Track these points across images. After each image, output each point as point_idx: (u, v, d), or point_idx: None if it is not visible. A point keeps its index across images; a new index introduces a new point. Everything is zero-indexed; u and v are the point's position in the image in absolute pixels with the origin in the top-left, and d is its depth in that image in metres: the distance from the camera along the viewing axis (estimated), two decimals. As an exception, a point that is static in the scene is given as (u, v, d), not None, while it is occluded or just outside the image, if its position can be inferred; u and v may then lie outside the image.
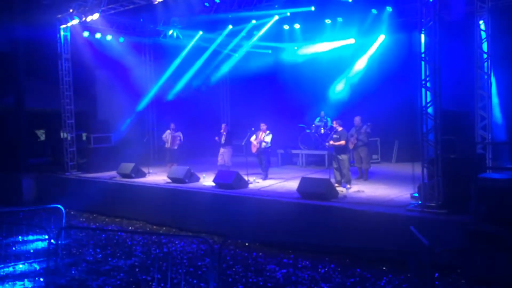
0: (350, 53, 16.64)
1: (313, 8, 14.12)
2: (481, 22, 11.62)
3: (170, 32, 16.88)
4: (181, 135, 14.44)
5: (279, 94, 18.39)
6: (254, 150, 12.94)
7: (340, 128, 11.63)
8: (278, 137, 14.26)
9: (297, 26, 16.21)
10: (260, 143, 12.71)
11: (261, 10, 14.17)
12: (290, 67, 18.12)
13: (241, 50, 17.85)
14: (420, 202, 8.79)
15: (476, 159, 9.13)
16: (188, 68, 17.89)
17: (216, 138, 13.79)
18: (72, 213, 13.60)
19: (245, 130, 13.44)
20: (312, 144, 15.72)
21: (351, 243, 8.70)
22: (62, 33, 15.24)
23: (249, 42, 17.15)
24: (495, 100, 12.00)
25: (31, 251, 9.70)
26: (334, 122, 11.93)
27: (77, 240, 10.50)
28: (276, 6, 14.15)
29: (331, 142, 11.54)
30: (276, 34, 17.11)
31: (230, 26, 15.81)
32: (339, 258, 8.60)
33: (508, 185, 7.43)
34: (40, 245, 10.01)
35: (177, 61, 17.58)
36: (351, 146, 12.24)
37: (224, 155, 13.67)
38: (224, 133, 13.67)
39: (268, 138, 12.71)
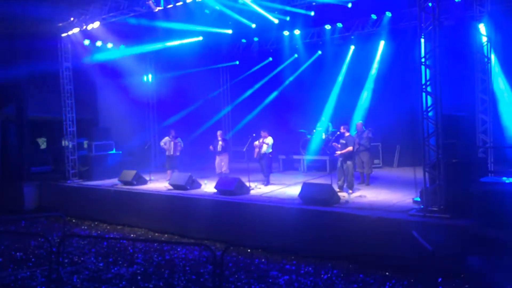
0: (350, 59, 16.67)
1: (312, 13, 14.17)
2: (480, 26, 11.65)
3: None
4: (181, 142, 14.43)
5: (280, 100, 18.41)
6: (255, 155, 12.92)
7: (347, 134, 11.55)
8: (279, 142, 14.26)
9: (297, 32, 16.25)
10: (261, 147, 12.69)
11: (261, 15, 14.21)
12: (291, 72, 18.16)
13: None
14: (422, 206, 8.76)
15: (477, 163, 9.12)
16: (189, 74, 17.94)
17: (211, 147, 13.71)
18: (73, 221, 13.61)
19: (246, 136, 13.44)
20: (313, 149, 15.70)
21: (354, 248, 8.67)
22: (63, 41, 15.32)
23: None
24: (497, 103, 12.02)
25: (33, 259, 9.68)
26: (342, 127, 11.74)
27: (79, 248, 10.48)
28: (276, 12, 14.20)
29: (338, 152, 11.41)
30: (276, 40, 17.17)
31: (230, 31, 15.84)
32: (342, 264, 8.57)
33: (510, 189, 7.41)
34: (42, 253, 9.99)
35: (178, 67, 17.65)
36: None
37: (221, 163, 13.62)
38: (220, 140, 13.62)
39: (268, 140, 12.68)
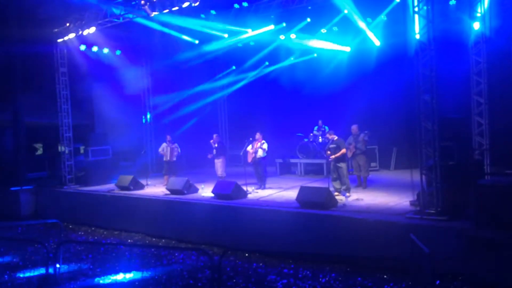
0: (346, 61, 16.71)
1: (309, 20, 14.24)
2: (475, 25, 11.69)
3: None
4: (178, 147, 14.43)
5: (277, 103, 18.42)
6: (249, 159, 12.90)
7: (335, 137, 11.57)
8: (276, 146, 14.24)
9: (293, 36, 16.28)
10: (256, 152, 12.67)
11: (257, 20, 14.28)
12: (287, 75, 18.17)
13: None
14: (419, 209, 8.77)
15: (474, 165, 9.15)
16: (185, 79, 17.94)
17: (210, 155, 13.81)
18: (70, 226, 13.54)
19: (243, 140, 13.44)
20: (310, 153, 15.72)
21: (352, 251, 8.66)
22: (59, 47, 15.31)
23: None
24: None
25: (30, 265, 9.62)
26: (328, 135, 11.82)
27: (75, 254, 10.42)
28: (272, 16, 14.25)
29: (333, 157, 11.42)
30: (272, 43, 17.18)
31: (226, 35, 15.88)
32: (340, 267, 8.56)
33: (507, 191, 7.44)
34: (39, 259, 9.92)
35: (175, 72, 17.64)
36: (349, 154, 12.22)
37: (217, 166, 13.71)
38: (216, 144, 13.70)
39: (265, 146, 12.68)
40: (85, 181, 15.36)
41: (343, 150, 11.28)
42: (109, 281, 8.52)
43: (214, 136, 14.01)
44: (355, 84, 16.26)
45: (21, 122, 16.65)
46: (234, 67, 19.50)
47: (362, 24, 14.04)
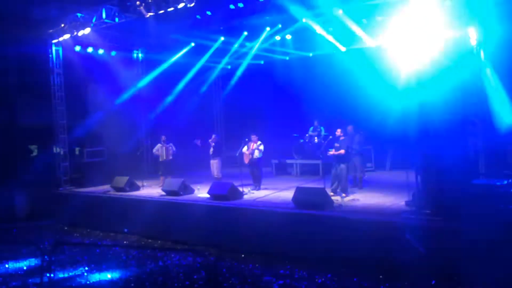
0: (342, 62, 16.72)
1: (304, 20, 14.22)
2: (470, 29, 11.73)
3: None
4: (173, 146, 14.44)
5: (273, 104, 18.43)
6: (246, 161, 12.91)
7: (342, 137, 11.59)
8: (272, 147, 14.22)
9: (288, 36, 16.30)
10: (252, 153, 12.68)
11: (252, 21, 14.27)
12: (283, 76, 18.17)
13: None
14: (415, 209, 8.80)
15: (469, 165, 9.19)
16: (180, 80, 17.93)
17: (197, 141, 13.76)
18: (66, 228, 13.49)
19: (238, 141, 13.45)
20: (306, 153, 15.72)
21: (347, 252, 8.67)
22: (54, 48, 15.27)
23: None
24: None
25: (24, 268, 9.58)
26: (339, 130, 11.75)
27: (71, 256, 10.38)
28: (267, 17, 14.24)
29: (331, 153, 11.46)
30: (268, 43, 17.22)
31: (222, 38, 15.90)
32: (336, 268, 8.57)
33: (501, 191, 7.47)
34: (34, 262, 9.88)
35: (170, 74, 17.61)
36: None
37: (213, 166, 13.72)
38: (213, 144, 13.73)
39: (261, 148, 12.70)
40: (80, 182, 15.31)
41: (341, 151, 11.29)
42: (104, 282, 8.49)
43: (213, 136, 14.08)
44: (351, 84, 16.27)
45: (16, 124, 16.56)
46: (229, 67, 19.49)
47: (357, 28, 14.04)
